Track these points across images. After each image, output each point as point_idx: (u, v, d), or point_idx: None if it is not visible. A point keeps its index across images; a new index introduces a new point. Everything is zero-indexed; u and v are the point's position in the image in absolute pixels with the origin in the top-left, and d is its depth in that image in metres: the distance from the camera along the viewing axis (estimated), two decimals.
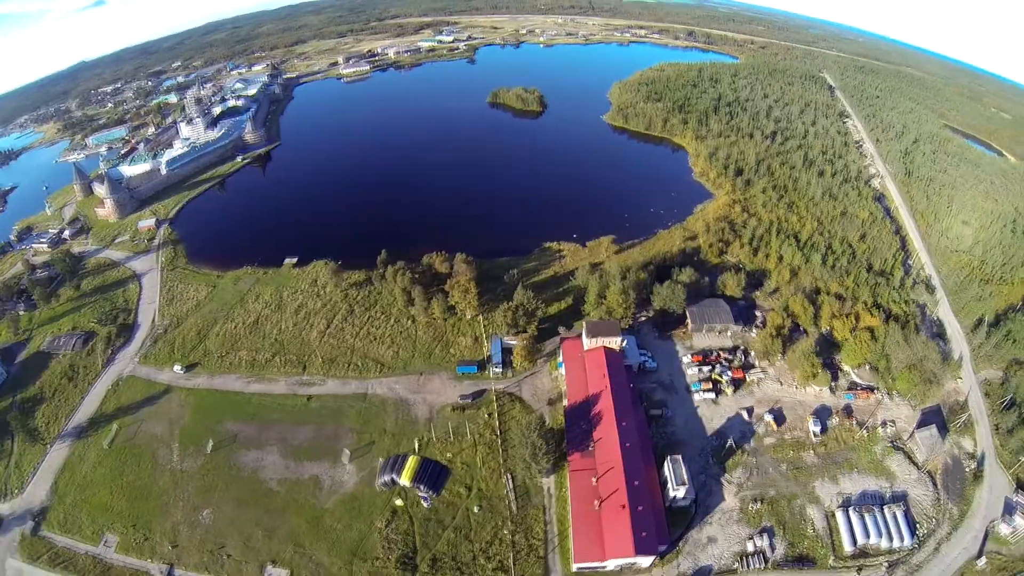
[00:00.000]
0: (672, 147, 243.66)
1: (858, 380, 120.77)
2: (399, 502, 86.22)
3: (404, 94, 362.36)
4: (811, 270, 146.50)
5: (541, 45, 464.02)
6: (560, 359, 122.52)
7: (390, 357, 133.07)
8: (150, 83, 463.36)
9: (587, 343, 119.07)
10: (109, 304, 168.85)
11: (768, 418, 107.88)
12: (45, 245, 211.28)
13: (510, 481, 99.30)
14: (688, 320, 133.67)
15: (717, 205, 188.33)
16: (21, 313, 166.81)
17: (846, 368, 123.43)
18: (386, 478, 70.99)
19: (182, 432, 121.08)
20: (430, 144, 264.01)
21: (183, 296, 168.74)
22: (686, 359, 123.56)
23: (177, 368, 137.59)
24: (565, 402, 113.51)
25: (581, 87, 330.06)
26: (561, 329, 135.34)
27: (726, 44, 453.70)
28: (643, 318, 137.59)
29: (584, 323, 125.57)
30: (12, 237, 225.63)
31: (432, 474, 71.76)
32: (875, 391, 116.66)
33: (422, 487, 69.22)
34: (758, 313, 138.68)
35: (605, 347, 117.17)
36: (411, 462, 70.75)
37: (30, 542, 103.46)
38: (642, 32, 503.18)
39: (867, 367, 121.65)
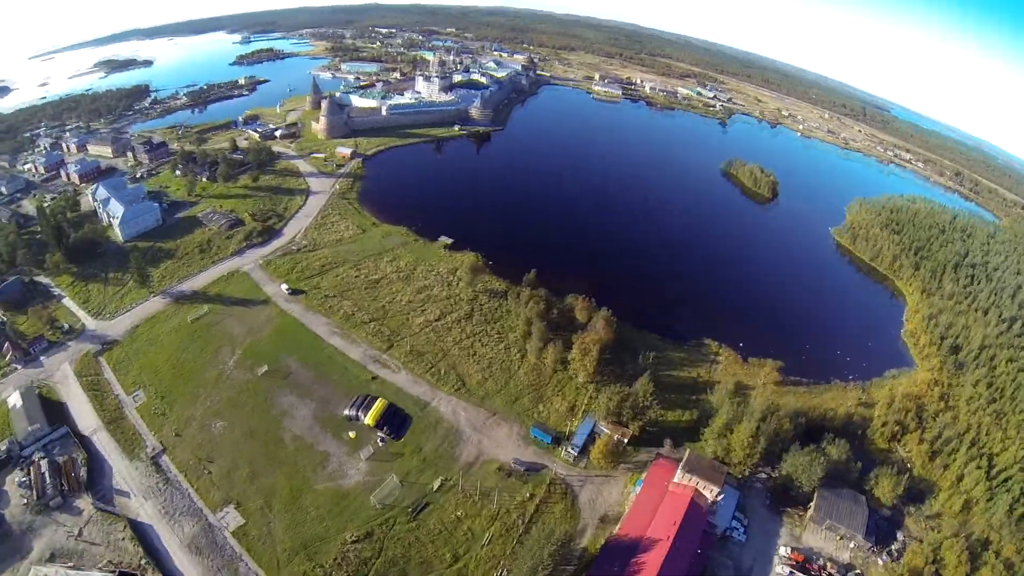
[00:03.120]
0: (892, 291, 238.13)
1: None
2: (352, 434, 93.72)
3: (641, 129, 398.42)
4: (989, 513, 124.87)
5: (798, 133, 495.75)
6: (642, 477, 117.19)
7: (475, 381, 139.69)
8: (420, 38, 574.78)
9: (679, 476, 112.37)
10: (270, 204, 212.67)
11: None
12: (257, 134, 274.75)
13: None
14: (812, 505, 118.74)
15: (913, 380, 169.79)
16: (202, 179, 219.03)
17: None
18: (351, 413, 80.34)
19: (251, 344, 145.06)
20: (644, 187, 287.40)
21: (334, 227, 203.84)
22: (784, 551, 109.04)
23: (284, 287, 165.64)
24: (617, 529, 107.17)
25: (820, 188, 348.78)
26: (667, 442, 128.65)
27: (992, 199, 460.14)
28: (762, 475, 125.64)
29: (688, 451, 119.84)
30: (240, 119, 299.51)
31: (396, 420, 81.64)
32: None
33: (384, 430, 78.62)
34: (900, 536, 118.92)
35: (696, 490, 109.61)
36: (378, 405, 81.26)
37: (87, 361, 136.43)
38: (907, 156, 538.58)
39: None
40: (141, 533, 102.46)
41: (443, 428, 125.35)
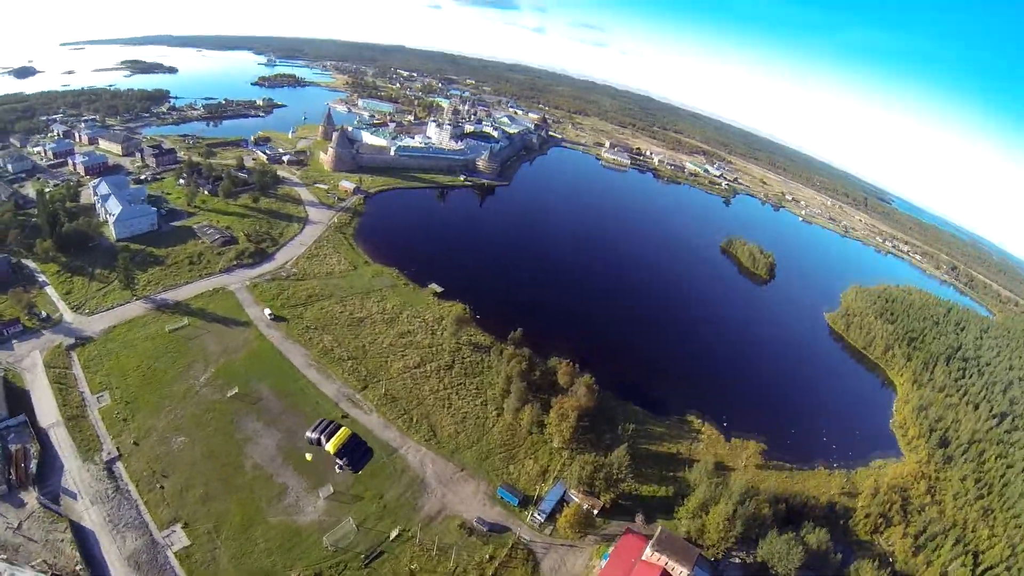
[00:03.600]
0: (883, 379, 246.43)
1: None
2: (309, 457, 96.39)
3: (645, 199, 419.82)
4: None
5: (799, 218, 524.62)
6: (609, 550, 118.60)
7: (447, 433, 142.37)
8: (439, 84, 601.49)
9: (648, 553, 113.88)
10: (267, 227, 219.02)
11: None
12: (265, 156, 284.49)
13: None
14: None
15: (900, 470, 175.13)
16: (204, 192, 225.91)
17: None
18: (313, 436, 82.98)
19: (224, 364, 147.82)
20: (642, 257, 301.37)
21: (326, 259, 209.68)
22: None
23: (267, 312, 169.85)
24: None
25: (818, 272, 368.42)
26: (639, 517, 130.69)
27: (987, 294, 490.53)
28: (736, 560, 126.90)
29: (660, 528, 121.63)
30: (251, 138, 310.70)
31: (357, 452, 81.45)
32: None
33: (343, 461, 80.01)
34: None
35: (665, 569, 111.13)
36: (342, 433, 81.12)
37: (58, 353, 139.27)
38: (905, 248, 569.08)
39: None
40: (82, 538, 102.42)
41: (408, 477, 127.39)
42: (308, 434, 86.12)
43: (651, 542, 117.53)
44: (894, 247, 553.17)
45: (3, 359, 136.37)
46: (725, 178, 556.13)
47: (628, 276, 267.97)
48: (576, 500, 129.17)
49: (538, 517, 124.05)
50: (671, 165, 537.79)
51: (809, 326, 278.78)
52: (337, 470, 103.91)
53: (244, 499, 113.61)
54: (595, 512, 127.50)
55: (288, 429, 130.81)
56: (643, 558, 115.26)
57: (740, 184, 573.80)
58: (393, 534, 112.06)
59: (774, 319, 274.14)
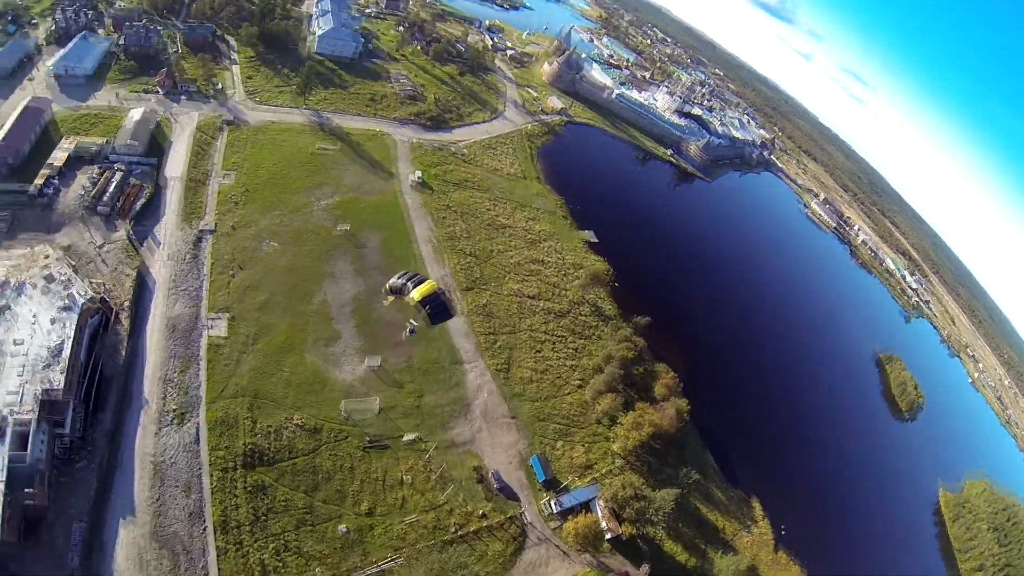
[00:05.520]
0: None
1: None
2: (388, 301, 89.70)
3: (831, 273, 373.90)
4: None
5: (969, 378, 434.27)
6: None
7: (520, 376, 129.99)
8: (688, 61, 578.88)
9: None
10: (458, 102, 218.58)
11: None
12: (490, 42, 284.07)
13: None
14: None
15: None
16: (415, 46, 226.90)
17: None
18: (398, 283, 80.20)
19: (350, 200, 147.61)
20: (798, 324, 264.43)
21: (501, 155, 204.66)
22: None
23: (417, 174, 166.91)
24: None
25: (953, 439, 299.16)
26: (645, 567, 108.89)
27: None
28: None
29: None
30: (485, 23, 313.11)
31: (440, 306, 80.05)
32: None
33: (427, 308, 78.37)
34: None
35: None
36: (428, 284, 78.79)
37: (212, 123, 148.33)
38: None
39: None
40: (142, 282, 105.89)
41: (457, 393, 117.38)
42: (392, 280, 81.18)
43: None
44: None
45: (167, 108, 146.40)
46: (918, 295, 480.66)
47: (779, 337, 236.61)
48: (599, 513, 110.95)
49: (553, 506, 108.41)
50: (871, 251, 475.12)
51: (918, 493, 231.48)
52: (407, 335, 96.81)
53: (295, 325, 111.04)
54: (608, 536, 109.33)
55: (372, 286, 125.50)
56: None
57: (928, 309, 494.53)
58: (408, 437, 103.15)
59: (888, 464, 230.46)
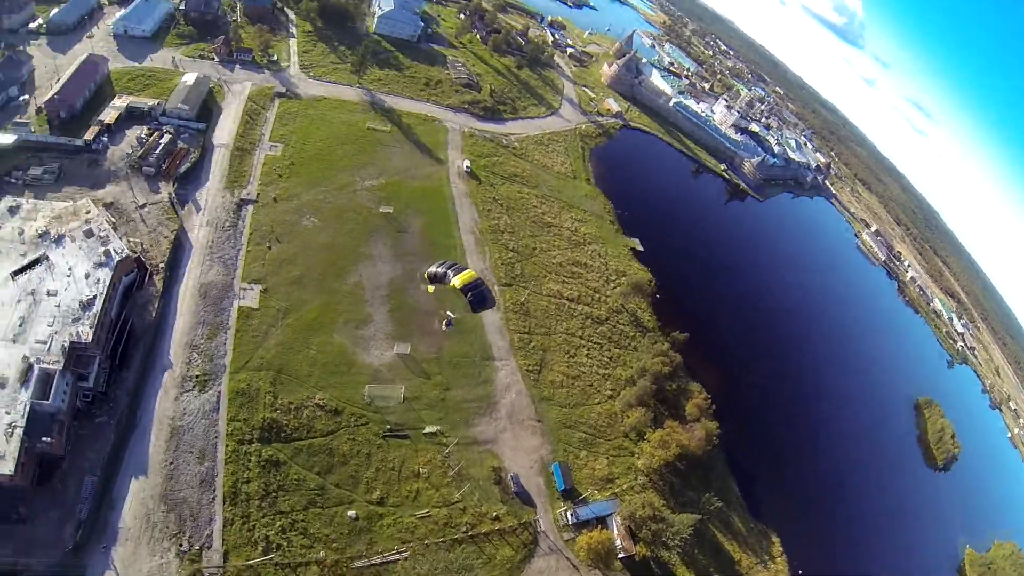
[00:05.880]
0: None
1: None
2: (431, 289, 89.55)
3: (876, 310, 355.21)
4: None
5: (1009, 433, 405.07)
6: None
7: (551, 379, 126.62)
8: (749, 76, 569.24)
9: None
10: (514, 95, 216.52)
11: None
12: (551, 38, 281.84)
13: None
14: None
15: None
16: (475, 35, 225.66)
17: None
18: (439, 271, 79.38)
19: (395, 183, 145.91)
20: (838, 361, 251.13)
21: (552, 154, 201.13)
22: None
23: (466, 163, 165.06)
24: None
25: (983, 494, 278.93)
26: None
27: None
28: None
29: None
30: (548, 17, 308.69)
31: (482, 294, 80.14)
32: None
33: (469, 296, 78.45)
34: None
35: None
36: (469, 273, 79.02)
37: (264, 93, 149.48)
38: None
39: None
40: (179, 245, 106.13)
41: (484, 390, 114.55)
42: (432, 269, 79.80)
43: None
44: None
45: (221, 75, 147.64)
46: (964, 340, 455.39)
47: (816, 369, 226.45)
48: (614, 530, 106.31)
49: (570, 517, 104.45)
50: (920, 289, 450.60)
51: (943, 548, 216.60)
52: (444, 326, 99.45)
53: (327, 304, 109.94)
54: (621, 554, 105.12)
55: (409, 271, 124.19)
56: None
57: (973, 356, 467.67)
58: (430, 429, 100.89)
59: (915, 513, 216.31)
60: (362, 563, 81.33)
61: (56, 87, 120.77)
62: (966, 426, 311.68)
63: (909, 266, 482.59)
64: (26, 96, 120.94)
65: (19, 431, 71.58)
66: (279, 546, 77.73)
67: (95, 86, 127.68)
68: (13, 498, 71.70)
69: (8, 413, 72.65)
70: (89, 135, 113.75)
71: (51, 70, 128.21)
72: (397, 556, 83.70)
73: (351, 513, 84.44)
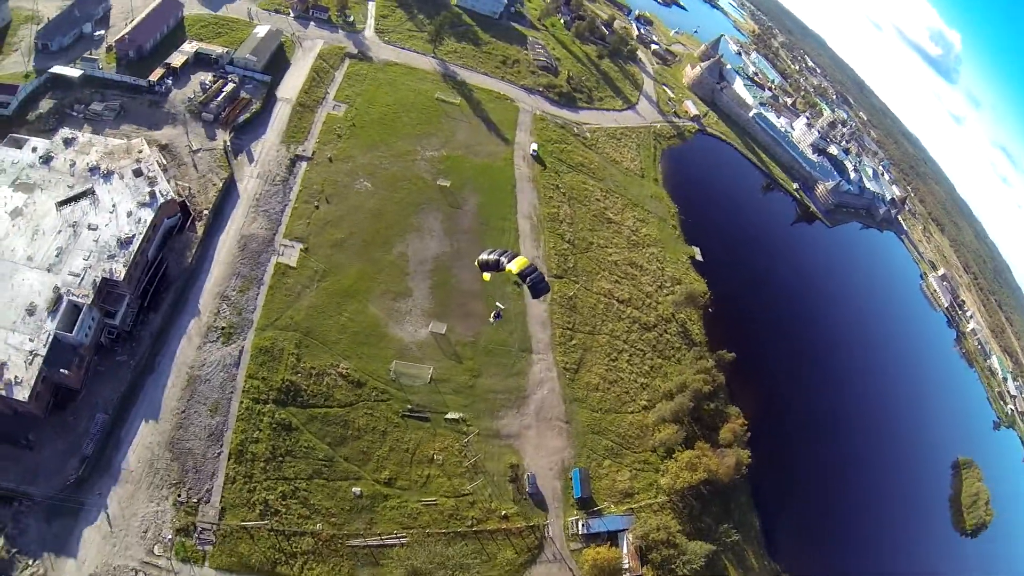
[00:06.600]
0: None
1: None
2: (487, 277, 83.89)
3: (929, 360, 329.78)
4: None
5: None
6: None
7: (587, 381, 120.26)
8: (834, 96, 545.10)
9: None
10: (592, 84, 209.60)
11: None
12: (636, 31, 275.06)
13: None
14: None
15: None
16: (560, 19, 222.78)
17: None
18: (492, 258, 75.64)
19: (458, 157, 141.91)
20: (887, 415, 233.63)
21: (624, 149, 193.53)
22: None
23: (533, 146, 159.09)
24: None
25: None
26: None
27: None
28: None
29: None
30: (635, 11, 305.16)
31: (540, 278, 77.17)
32: None
33: (528, 281, 75.31)
34: None
35: None
36: (523, 259, 75.73)
37: (336, 53, 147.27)
38: None
39: None
40: (227, 194, 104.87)
41: (516, 383, 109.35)
42: (485, 255, 75.82)
43: None
44: None
45: (295, 30, 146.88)
46: (1016, 404, 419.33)
47: (858, 411, 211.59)
48: (624, 548, 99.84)
49: (581, 527, 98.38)
50: (979, 343, 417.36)
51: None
52: (492, 319, 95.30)
53: (366, 272, 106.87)
54: (627, 575, 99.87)
55: (459, 249, 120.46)
56: None
57: (1022, 422, 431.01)
58: (452, 415, 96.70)
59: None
60: (358, 542, 78.40)
61: (128, 28, 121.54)
62: (1002, 493, 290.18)
63: (972, 317, 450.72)
64: (100, 32, 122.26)
65: (39, 359, 71.16)
66: (277, 512, 75.52)
67: (167, 29, 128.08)
68: (24, 424, 71.61)
69: (32, 340, 72.34)
70: (154, 76, 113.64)
71: (127, 10, 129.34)
72: (395, 541, 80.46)
73: (356, 490, 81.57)
